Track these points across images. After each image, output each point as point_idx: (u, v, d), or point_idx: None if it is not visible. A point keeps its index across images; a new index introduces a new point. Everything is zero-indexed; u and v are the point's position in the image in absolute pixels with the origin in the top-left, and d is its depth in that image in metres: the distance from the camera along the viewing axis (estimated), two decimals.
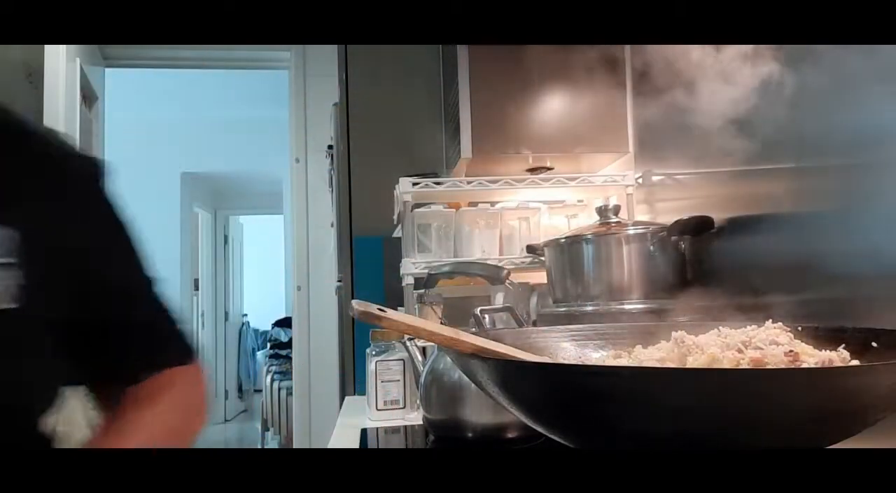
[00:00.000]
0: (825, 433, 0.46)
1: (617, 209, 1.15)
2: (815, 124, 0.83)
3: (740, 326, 0.63)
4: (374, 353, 1.32)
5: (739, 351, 0.55)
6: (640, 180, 1.37)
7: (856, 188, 0.77)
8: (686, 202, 1.20)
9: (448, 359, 0.93)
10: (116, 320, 0.62)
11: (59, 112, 2.22)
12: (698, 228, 1.04)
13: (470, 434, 0.92)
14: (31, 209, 0.57)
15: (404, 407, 1.28)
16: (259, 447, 4.94)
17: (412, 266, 1.36)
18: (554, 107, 1.36)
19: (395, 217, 1.54)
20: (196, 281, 5.51)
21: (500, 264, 1.30)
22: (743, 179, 1.01)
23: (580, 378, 0.48)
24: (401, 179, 1.39)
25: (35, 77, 2.19)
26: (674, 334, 0.61)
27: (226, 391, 6.38)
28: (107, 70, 3.05)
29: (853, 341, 0.58)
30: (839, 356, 0.55)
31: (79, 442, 0.61)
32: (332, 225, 2.49)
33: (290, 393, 4.01)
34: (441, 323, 0.84)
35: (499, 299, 1.32)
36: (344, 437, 1.17)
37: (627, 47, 1.37)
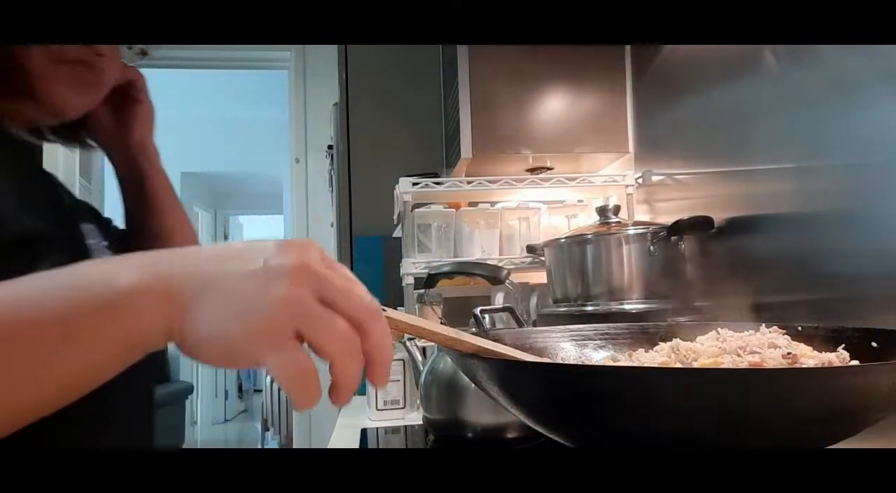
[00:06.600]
0: (825, 433, 0.46)
1: (617, 209, 1.15)
2: (815, 124, 0.83)
3: (740, 327, 0.63)
4: None
5: (738, 355, 0.55)
6: (640, 180, 1.37)
7: (856, 188, 0.77)
8: (686, 202, 1.20)
9: (448, 359, 0.93)
10: None
11: None
12: (698, 228, 1.04)
13: (470, 434, 0.92)
14: None
15: (404, 407, 1.28)
16: (259, 447, 4.94)
17: (412, 266, 1.36)
18: (554, 107, 1.36)
19: (395, 217, 1.54)
20: None
21: (500, 264, 1.30)
22: (743, 179, 1.01)
23: (580, 378, 0.48)
24: (401, 179, 1.39)
25: None
26: (669, 343, 0.61)
27: (226, 391, 6.37)
28: None
29: (853, 341, 0.58)
30: (839, 357, 0.55)
31: None
32: (332, 225, 2.48)
33: None
34: (441, 323, 0.84)
35: (499, 299, 1.33)
36: (344, 437, 1.17)
37: (627, 47, 1.37)
